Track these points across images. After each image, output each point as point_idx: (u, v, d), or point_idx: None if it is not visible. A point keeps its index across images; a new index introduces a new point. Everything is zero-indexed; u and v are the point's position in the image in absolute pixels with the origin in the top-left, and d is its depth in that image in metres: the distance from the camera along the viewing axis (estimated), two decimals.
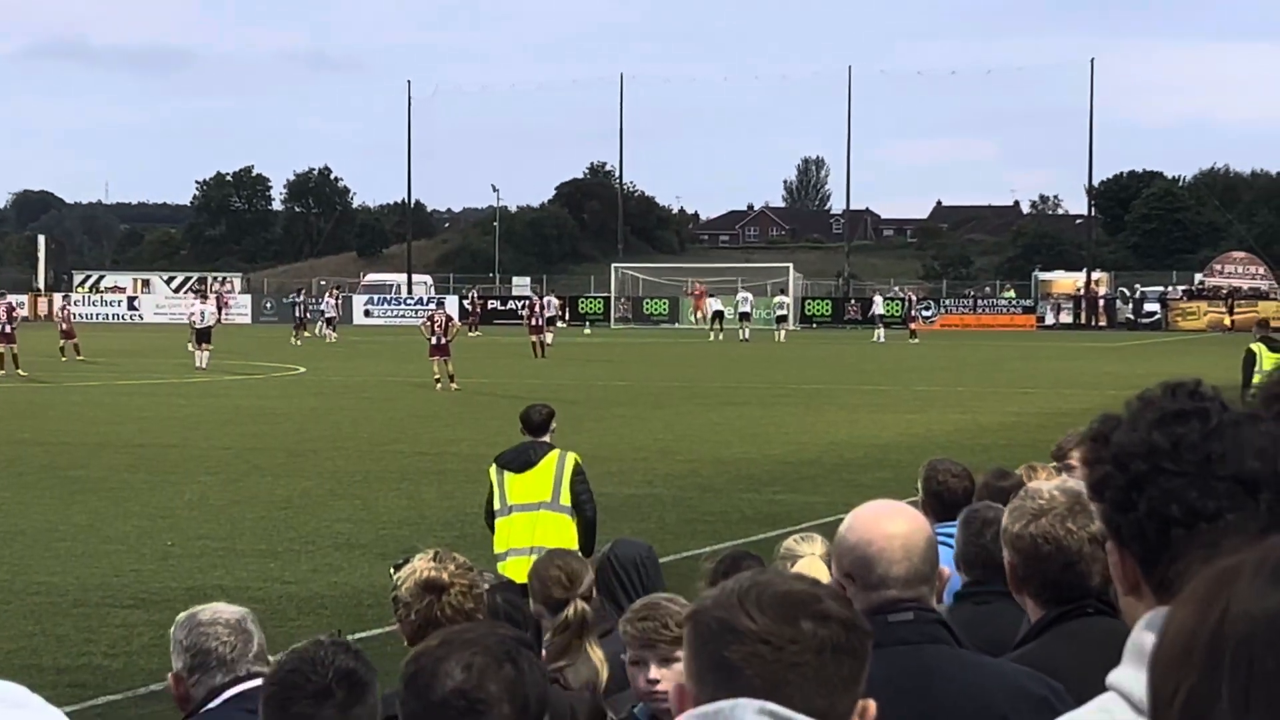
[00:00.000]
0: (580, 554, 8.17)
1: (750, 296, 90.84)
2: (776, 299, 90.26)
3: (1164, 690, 1.73)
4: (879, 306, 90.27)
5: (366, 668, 4.55)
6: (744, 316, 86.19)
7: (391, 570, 6.55)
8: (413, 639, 6.14)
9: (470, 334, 79.31)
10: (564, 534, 13.30)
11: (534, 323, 66.94)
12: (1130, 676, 2.31)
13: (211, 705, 5.46)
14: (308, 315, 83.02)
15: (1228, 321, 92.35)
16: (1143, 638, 2.32)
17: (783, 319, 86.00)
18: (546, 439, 14.02)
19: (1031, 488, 5.25)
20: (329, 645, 4.55)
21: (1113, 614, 4.98)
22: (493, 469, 13.84)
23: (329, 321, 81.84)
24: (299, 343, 75.69)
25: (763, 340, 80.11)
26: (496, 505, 13.69)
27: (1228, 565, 1.74)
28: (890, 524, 4.40)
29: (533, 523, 13.46)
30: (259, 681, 5.44)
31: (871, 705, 2.70)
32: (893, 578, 4.33)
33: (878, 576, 4.31)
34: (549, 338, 67.55)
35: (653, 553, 8.51)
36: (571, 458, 13.74)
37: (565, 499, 13.54)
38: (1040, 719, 4.15)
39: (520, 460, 13.71)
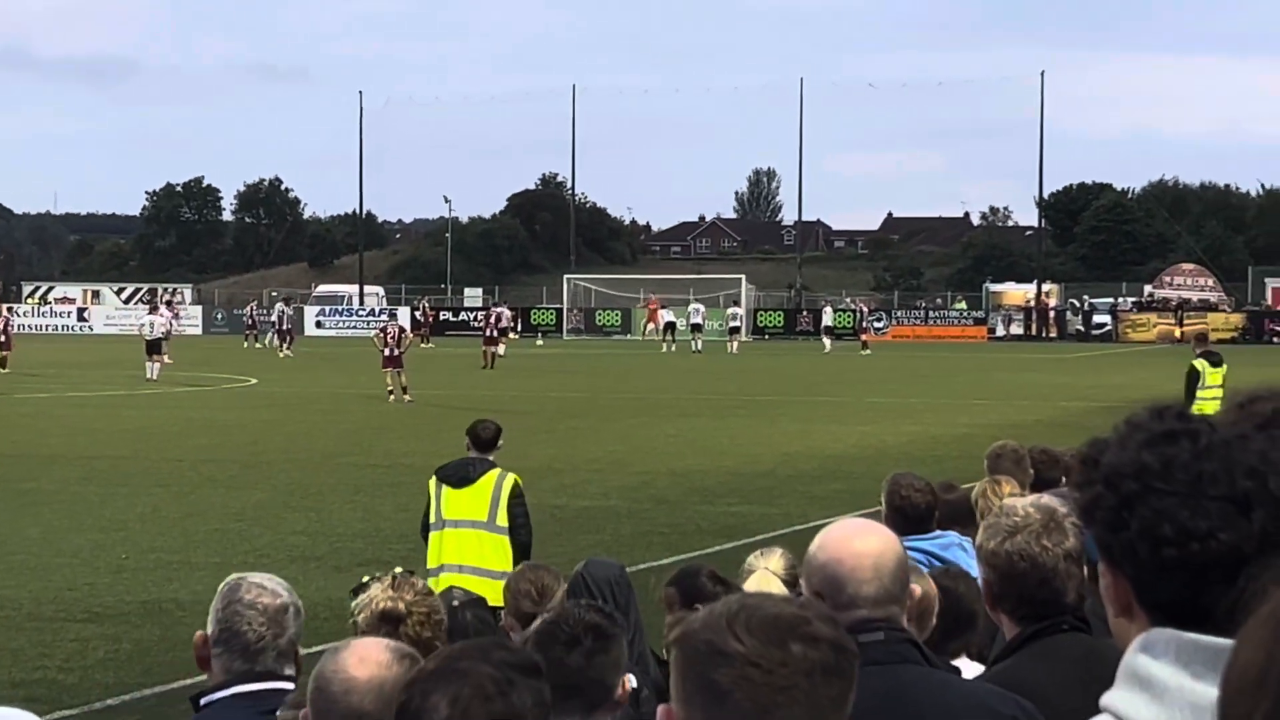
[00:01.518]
0: (554, 569, 8.13)
1: (702, 308, 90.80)
2: (730, 310, 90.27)
3: (1236, 714, 1.73)
4: (828, 318, 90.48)
5: (612, 623, 5.21)
6: (696, 328, 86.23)
7: (350, 595, 6.54)
8: None
9: (422, 345, 79.16)
10: (498, 555, 13.21)
11: (488, 333, 66.96)
12: (1125, 699, 2.30)
13: (220, 695, 5.36)
14: (274, 325, 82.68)
15: (1177, 333, 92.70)
16: (1137, 660, 2.31)
17: (736, 330, 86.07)
18: (491, 456, 13.94)
19: (1006, 504, 5.25)
20: (583, 605, 5.34)
21: (1087, 631, 5.00)
22: (432, 481, 13.72)
23: (280, 333, 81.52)
24: (289, 353, 75.03)
25: (715, 351, 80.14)
26: (432, 519, 13.58)
27: None
28: (861, 543, 4.38)
29: (463, 541, 13.35)
30: (275, 684, 5.33)
31: None
32: (863, 597, 4.30)
33: (848, 596, 4.28)
34: (501, 349, 67.49)
35: (625, 573, 8.50)
36: (511, 479, 13.58)
37: (501, 520, 13.40)
38: None
39: (459, 476, 13.57)
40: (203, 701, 5.37)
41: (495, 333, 67.07)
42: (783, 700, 2.59)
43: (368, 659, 4.31)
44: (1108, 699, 2.33)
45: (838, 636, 2.68)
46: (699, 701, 2.61)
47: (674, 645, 2.70)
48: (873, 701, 3.71)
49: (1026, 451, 10.81)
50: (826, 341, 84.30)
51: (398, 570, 6.53)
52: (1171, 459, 2.39)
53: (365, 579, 6.65)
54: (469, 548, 13.25)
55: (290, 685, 5.41)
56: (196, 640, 5.50)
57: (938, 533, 8.54)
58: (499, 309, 75.10)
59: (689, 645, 2.65)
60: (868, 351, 79.61)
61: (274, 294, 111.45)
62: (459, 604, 7.23)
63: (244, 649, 5.37)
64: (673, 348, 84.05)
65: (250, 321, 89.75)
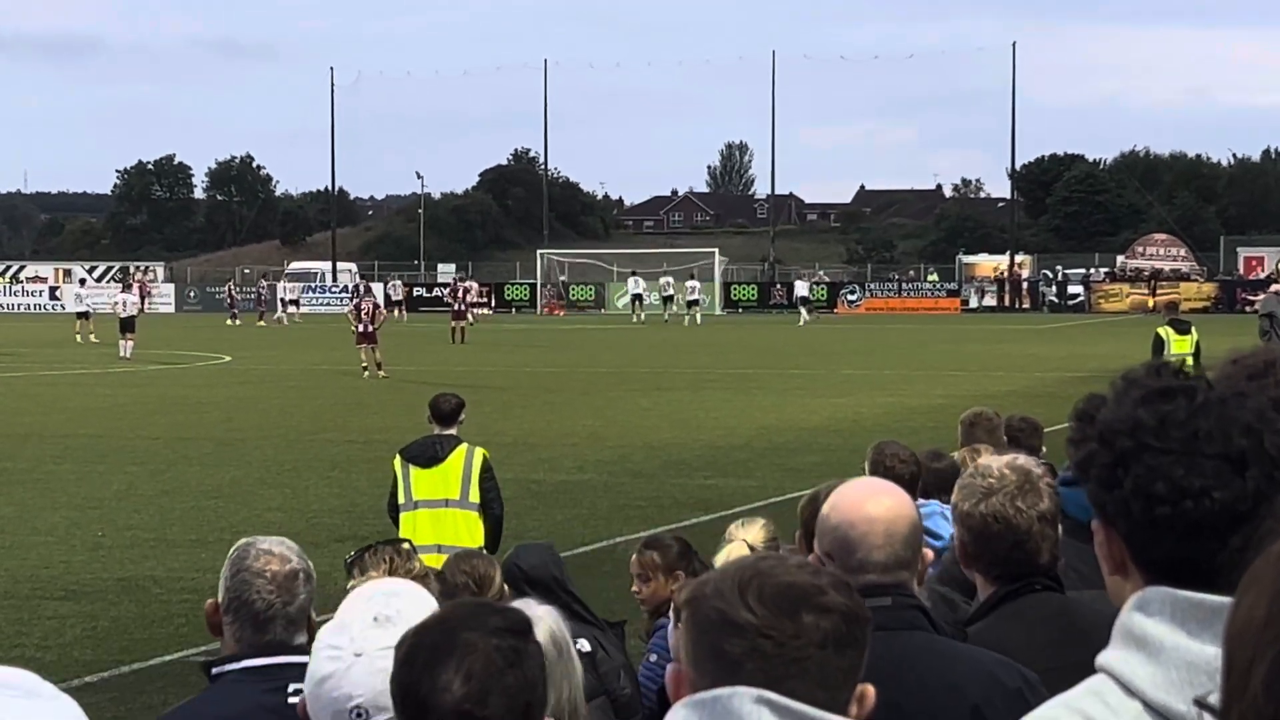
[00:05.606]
0: (487, 554, 7.99)
1: (673, 281, 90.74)
2: (688, 284, 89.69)
3: (1241, 658, 1.71)
4: (803, 290, 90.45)
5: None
6: (667, 300, 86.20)
7: (345, 566, 6.51)
8: None
9: (397, 320, 79.03)
10: (471, 531, 13.09)
11: (457, 308, 66.84)
12: (1121, 658, 2.28)
13: (231, 668, 5.29)
14: (244, 303, 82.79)
15: (1150, 303, 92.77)
16: (1132, 619, 2.30)
17: (694, 303, 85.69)
18: (453, 431, 13.78)
19: (981, 466, 5.21)
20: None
21: (1060, 590, 5.00)
22: (397, 462, 13.46)
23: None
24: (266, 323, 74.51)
25: (679, 325, 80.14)
26: (401, 500, 13.34)
27: None
28: (873, 506, 4.33)
29: (438, 520, 13.22)
30: (285, 659, 5.25)
31: (870, 690, 2.67)
32: (872, 562, 4.27)
33: (857, 560, 4.24)
34: (469, 319, 67.14)
35: (555, 553, 8.30)
36: (480, 454, 13.41)
37: (474, 496, 13.23)
38: (1012, 709, 4.12)
39: (427, 455, 13.35)
40: (214, 672, 5.33)
41: (463, 307, 66.94)
42: (795, 671, 2.57)
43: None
44: (1104, 658, 2.32)
45: (851, 605, 2.66)
46: (709, 669, 2.59)
47: (684, 608, 2.66)
48: (876, 667, 3.72)
49: (1002, 419, 10.80)
50: (802, 313, 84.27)
51: (404, 547, 6.47)
52: (1167, 416, 2.37)
53: (361, 551, 6.60)
54: (444, 527, 13.14)
55: (302, 657, 5.33)
56: (208, 608, 5.46)
57: (920, 502, 8.53)
58: (466, 283, 74.57)
59: (700, 612, 2.62)
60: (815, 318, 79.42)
61: (246, 271, 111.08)
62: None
63: (253, 618, 5.31)
64: (642, 318, 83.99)
65: (229, 300, 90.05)
